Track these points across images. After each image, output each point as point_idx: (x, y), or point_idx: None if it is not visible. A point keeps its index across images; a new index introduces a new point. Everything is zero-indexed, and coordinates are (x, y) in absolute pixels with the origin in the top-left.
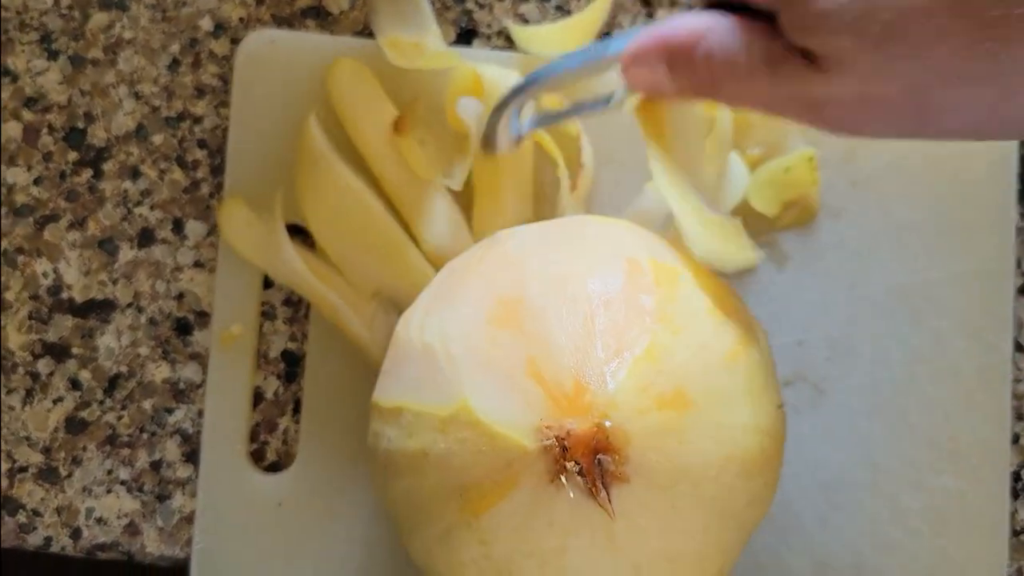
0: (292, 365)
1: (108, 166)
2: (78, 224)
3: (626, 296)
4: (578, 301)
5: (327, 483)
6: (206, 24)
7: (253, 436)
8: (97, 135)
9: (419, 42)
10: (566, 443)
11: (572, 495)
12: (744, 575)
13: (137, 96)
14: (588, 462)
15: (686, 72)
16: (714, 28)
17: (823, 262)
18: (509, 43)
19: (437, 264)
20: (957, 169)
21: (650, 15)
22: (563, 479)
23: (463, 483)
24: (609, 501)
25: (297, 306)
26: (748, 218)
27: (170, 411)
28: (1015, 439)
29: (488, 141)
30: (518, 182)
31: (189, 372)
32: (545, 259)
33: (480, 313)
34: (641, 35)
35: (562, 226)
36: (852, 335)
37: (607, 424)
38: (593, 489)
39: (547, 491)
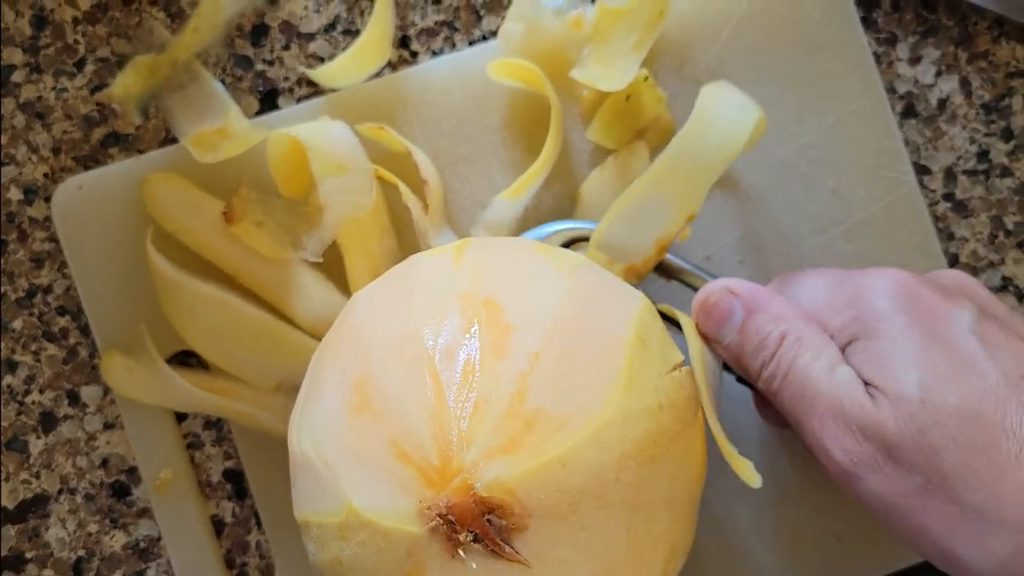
0: (238, 482)
1: None
2: None
3: (464, 338)
4: (420, 361)
5: None
6: (15, 194)
7: (230, 563)
8: None
9: (223, 126)
10: (451, 517)
11: (475, 565)
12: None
13: None
14: (480, 526)
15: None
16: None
17: None
18: (314, 87)
19: (321, 334)
20: (794, 22)
21: (437, 1)
22: (461, 552)
23: None
24: (517, 553)
25: (218, 426)
26: None
27: (142, 574)
28: (952, 262)
29: None
30: (379, 227)
31: (144, 529)
32: (384, 323)
33: (340, 405)
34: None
35: (396, 277)
36: (754, 229)
37: (478, 485)
38: (496, 549)
39: (454, 567)
